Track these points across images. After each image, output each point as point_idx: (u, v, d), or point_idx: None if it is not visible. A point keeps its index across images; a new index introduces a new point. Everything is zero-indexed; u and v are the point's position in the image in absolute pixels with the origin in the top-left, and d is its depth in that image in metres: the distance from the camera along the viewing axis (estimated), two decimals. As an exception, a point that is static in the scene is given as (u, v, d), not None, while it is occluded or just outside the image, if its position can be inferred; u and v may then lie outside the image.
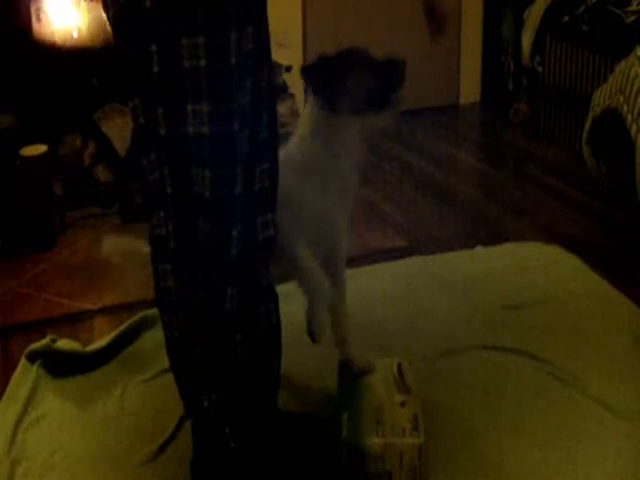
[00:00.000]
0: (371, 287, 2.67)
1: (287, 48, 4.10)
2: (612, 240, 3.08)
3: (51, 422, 2.14)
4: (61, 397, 2.24)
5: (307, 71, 1.93)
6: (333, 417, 1.88)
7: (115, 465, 1.97)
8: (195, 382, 1.72)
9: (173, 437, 2.03)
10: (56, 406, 2.20)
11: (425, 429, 1.80)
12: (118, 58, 1.58)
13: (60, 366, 2.33)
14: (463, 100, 4.92)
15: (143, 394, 2.23)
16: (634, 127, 2.88)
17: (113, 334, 2.45)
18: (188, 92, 1.49)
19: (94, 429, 2.11)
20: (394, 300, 2.63)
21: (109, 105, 3.47)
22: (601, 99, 3.17)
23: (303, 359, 2.17)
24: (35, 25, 3.40)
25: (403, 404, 1.87)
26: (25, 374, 2.31)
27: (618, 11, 3.67)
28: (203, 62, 1.47)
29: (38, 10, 3.41)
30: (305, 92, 1.93)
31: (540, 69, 4.24)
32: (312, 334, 1.89)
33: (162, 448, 2.00)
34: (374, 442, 1.78)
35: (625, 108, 2.95)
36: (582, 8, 3.86)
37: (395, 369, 2.00)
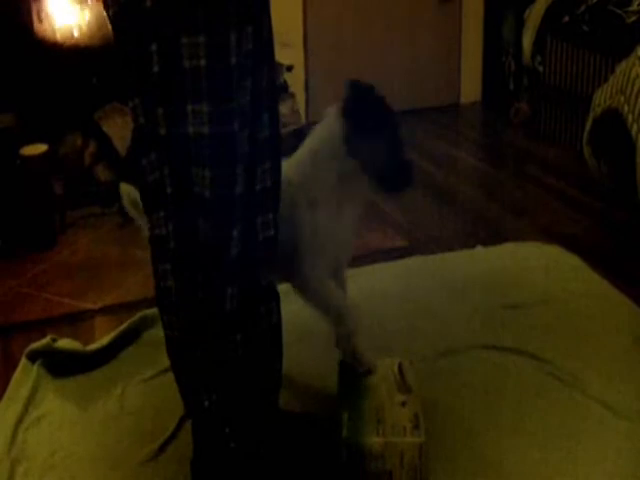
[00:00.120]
0: (371, 287, 2.67)
1: (291, 48, 4.11)
2: (612, 240, 3.08)
3: (51, 422, 2.14)
4: (61, 397, 2.24)
5: (352, 111, 1.93)
6: (333, 417, 1.88)
7: (115, 464, 1.97)
8: (195, 382, 1.72)
9: (173, 437, 2.03)
10: (56, 406, 2.20)
11: (425, 429, 1.80)
12: (118, 57, 1.58)
13: (60, 366, 2.33)
14: (464, 100, 4.92)
15: (143, 394, 2.23)
16: (635, 127, 2.88)
17: (113, 334, 2.45)
18: (188, 92, 1.49)
19: (94, 429, 2.11)
20: (394, 300, 2.63)
21: (109, 104, 3.47)
22: (602, 99, 3.17)
23: (303, 359, 2.17)
24: (36, 24, 3.40)
25: (404, 404, 1.87)
26: (25, 374, 2.31)
27: (619, 11, 3.67)
28: (203, 62, 1.47)
29: (39, 9, 3.41)
30: (341, 115, 1.93)
31: (541, 69, 4.24)
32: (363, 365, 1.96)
33: (162, 448, 2.00)
34: (375, 441, 1.78)
35: (626, 108, 2.95)
36: (583, 8, 3.86)
37: (396, 369, 2.00)
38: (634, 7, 3.63)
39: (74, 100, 3.44)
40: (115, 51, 1.59)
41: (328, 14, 4.52)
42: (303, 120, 4.10)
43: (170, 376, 1.79)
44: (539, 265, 2.84)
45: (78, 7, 3.46)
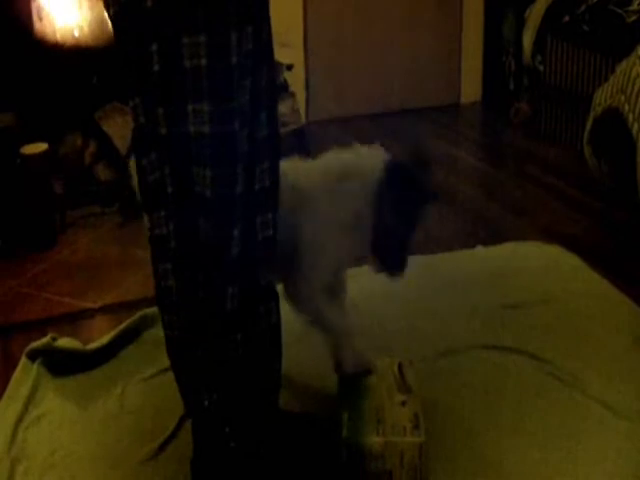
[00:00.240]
0: (371, 287, 2.66)
1: (290, 47, 4.11)
2: (612, 240, 3.08)
3: (51, 421, 2.14)
4: (61, 396, 2.24)
5: (395, 180, 1.90)
6: (333, 417, 1.88)
7: (115, 464, 1.97)
8: (195, 381, 1.72)
9: (173, 436, 2.03)
10: (56, 405, 2.20)
11: (425, 428, 1.80)
12: (119, 57, 1.58)
13: (60, 365, 2.33)
14: (464, 99, 4.92)
15: (143, 393, 2.23)
16: (635, 127, 2.88)
17: (113, 333, 2.45)
18: (189, 91, 1.49)
19: (94, 428, 2.11)
20: (394, 300, 2.62)
21: (110, 104, 3.47)
22: (602, 99, 3.17)
23: (303, 359, 2.17)
24: (36, 24, 3.40)
25: (404, 403, 1.87)
26: (25, 373, 2.31)
27: (619, 11, 3.67)
28: (204, 61, 1.47)
29: (39, 9, 3.41)
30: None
31: (541, 69, 4.23)
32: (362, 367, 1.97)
33: (162, 447, 2.00)
34: (375, 441, 1.78)
35: (626, 108, 2.94)
36: (583, 8, 3.86)
37: (396, 369, 2.00)
38: (634, 7, 3.63)
39: (74, 100, 3.44)
40: (115, 51, 1.59)
41: (328, 13, 4.52)
42: (303, 119, 4.10)
43: (170, 375, 1.79)
44: (539, 265, 2.84)
45: (78, 7, 3.46)
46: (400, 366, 2.00)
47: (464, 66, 4.87)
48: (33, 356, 2.35)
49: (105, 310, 2.72)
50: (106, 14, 1.60)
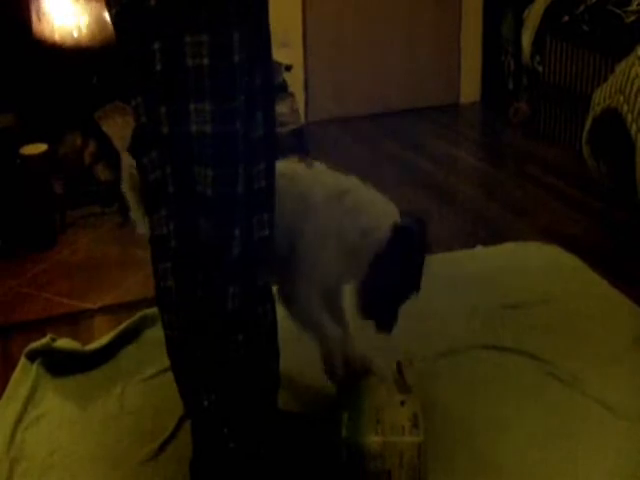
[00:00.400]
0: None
1: (289, 47, 4.11)
2: (612, 240, 3.08)
3: (51, 421, 2.14)
4: (61, 396, 2.24)
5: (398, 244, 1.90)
6: (333, 417, 1.88)
7: (115, 464, 1.97)
8: (195, 382, 1.71)
9: (173, 436, 2.03)
10: (56, 405, 2.20)
11: (425, 428, 1.80)
12: (120, 56, 1.58)
13: (60, 365, 2.33)
14: (463, 99, 4.92)
15: (143, 393, 2.23)
16: (634, 127, 2.88)
17: (113, 333, 2.45)
18: (191, 90, 1.49)
19: (94, 428, 2.11)
20: (394, 300, 2.62)
21: (110, 104, 3.47)
22: (601, 98, 3.17)
23: (303, 359, 2.16)
24: (35, 24, 3.40)
25: (403, 403, 1.87)
26: (25, 373, 2.31)
27: (618, 11, 3.67)
28: (206, 60, 1.47)
29: (38, 9, 3.41)
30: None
31: (540, 68, 4.24)
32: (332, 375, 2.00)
33: (162, 447, 2.00)
34: (374, 441, 1.78)
35: (625, 108, 2.94)
36: (582, 8, 3.86)
37: (395, 368, 2.00)
38: (633, 7, 3.64)
39: (74, 100, 3.44)
40: (117, 50, 1.59)
41: (328, 13, 4.52)
42: (302, 119, 4.10)
43: (170, 376, 1.78)
44: (539, 265, 2.84)
45: (78, 6, 3.46)
46: (400, 366, 2.00)
47: (463, 66, 4.87)
48: (32, 356, 2.35)
49: (105, 310, 2.71)
50: (107, 14, 1.60)
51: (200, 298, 1.62)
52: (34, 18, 3.40)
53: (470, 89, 4.91)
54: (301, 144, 3.83)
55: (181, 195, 1.57)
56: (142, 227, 1.88)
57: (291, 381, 2.12)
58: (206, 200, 1.55)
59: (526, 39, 4.24)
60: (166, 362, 1.79)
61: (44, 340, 2.38)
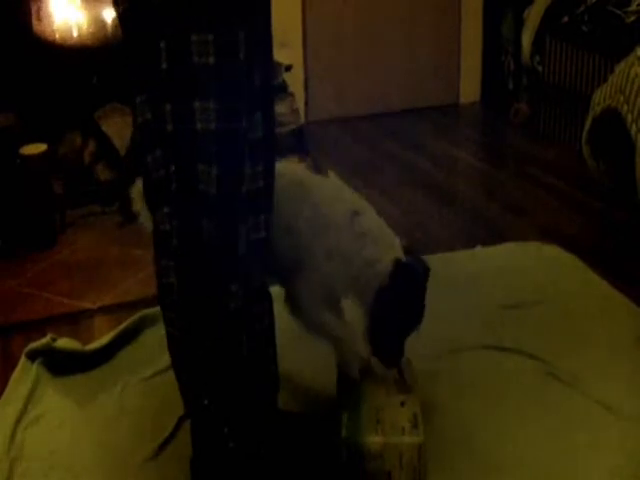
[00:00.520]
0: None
1: (289, 47, 4.10)
2: (612, 240, 3.08)
3: (51, 421, 2.14)
4: (61, 396, 2.24)
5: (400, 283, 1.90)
6: (333, 417, 1.88)
7: (115, 464, 1.97)
8: (196, 380, 1.71)
9: (173, 436, 2.03)
10: (56, 405, 2.20)
11: (424, 429, 1.80)
12: (125, 54, 1.58)
13: (60, 365, 2.33)
14: (463, 99, 4.92)
15: (143, 393, 2.23)
16: (634, 127, 2.88)
17: (113, 333, 2.45)
18: (196, 89, 1.49)
19: (94, 428, 2.11)
20: (394, 300, 2.62)
21: (109, 104, 3.47)
22: (601, 99, 3.17)
23: (303, 359, 2.17)
24: (35, 24, 3.40)
25: (403, 404, 1.87)
26: (25, 373, 2.31)
27: (618, 11, 3.67)
28: (212, 59, 1.48)
29: (38, 8, 3.41)
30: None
31: (540, 69, 4.24)
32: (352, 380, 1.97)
33: (162, 447, 2.00)
34: (373, 441, 1.78)
35: (625, 108, 2.94)
36: (582, 8, 3.86)
37: (395, 369, 2.00)
38: (633, 7, 3.63)
39: (74, 99, 3.44)
40: (122, 48, 1.60)
41: (328, 13, 4.52)
42: (302, 119, 4.10)
43: (170, 375, 1.78)
44: (539, 265, 2.84)
45: (77, 6, 3.46)
46: (400, 366, 2.00)
47: (463, 66, 4.87)
48: (32, 356, 2.35)
49: (104, 310, 2.71)
50: (114, 12, 1.60)
51: (201, 297, 1.62)
52: (34, 18, 3.40)
53: (470, 89, 4.91)
54: (301, 144, 3.83)
55: (184, 193, 1.57)
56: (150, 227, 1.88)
57: (291, 381, 2.12)
58: (209, 199, 1.55)
59: (526, 39, 4.24)
60: (166, 362, 1.79)
61: (44, 340, 2.38)
